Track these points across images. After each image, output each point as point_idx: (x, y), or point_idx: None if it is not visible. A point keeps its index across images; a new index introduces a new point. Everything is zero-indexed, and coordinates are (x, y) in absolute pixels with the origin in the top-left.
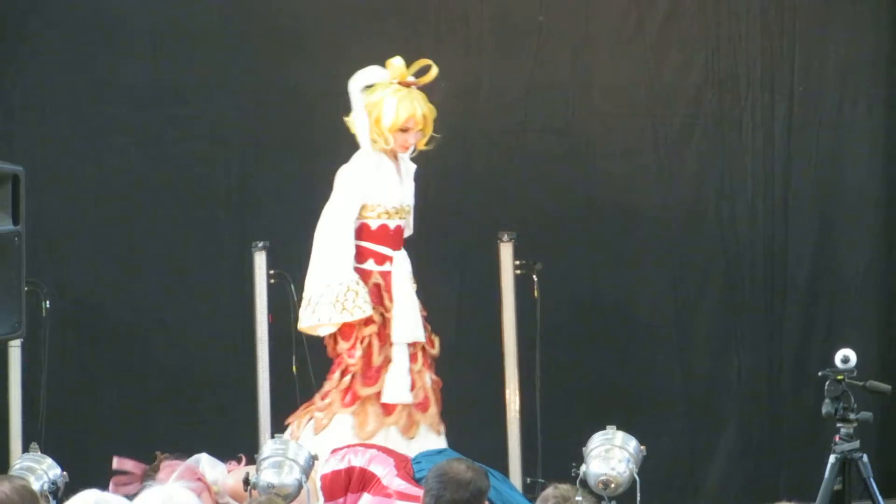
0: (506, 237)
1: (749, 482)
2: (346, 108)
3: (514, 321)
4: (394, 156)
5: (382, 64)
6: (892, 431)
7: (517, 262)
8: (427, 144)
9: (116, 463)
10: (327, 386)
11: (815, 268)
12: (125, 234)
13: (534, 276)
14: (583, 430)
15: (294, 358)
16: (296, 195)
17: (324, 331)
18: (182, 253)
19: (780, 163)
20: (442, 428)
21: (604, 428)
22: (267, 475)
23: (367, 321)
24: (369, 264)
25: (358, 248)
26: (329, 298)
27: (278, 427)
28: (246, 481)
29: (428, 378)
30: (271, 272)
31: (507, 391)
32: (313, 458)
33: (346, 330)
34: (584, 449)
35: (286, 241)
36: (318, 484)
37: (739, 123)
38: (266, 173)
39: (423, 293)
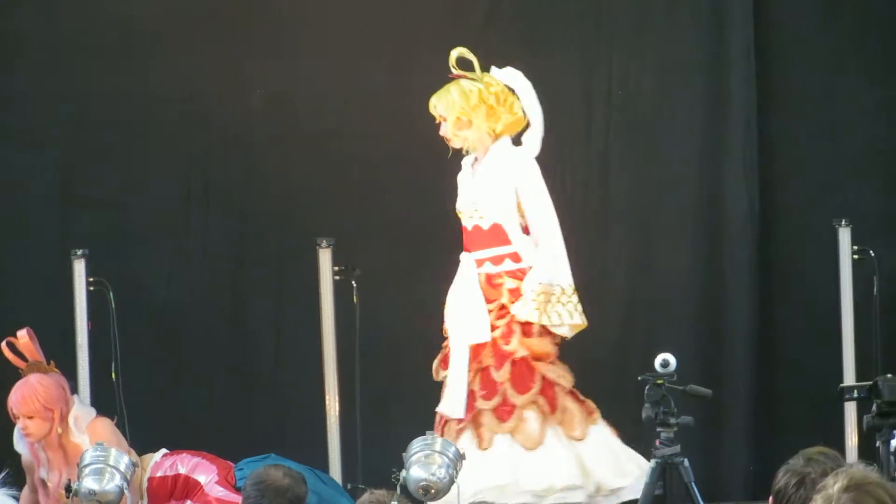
0: (324, 243)
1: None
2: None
3: (333, 327)
4: (484, 152)
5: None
6: (713, 435)
7: (336, 268)
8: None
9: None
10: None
11: (634, 270)
12: None
13: (353, 282)
14: (403, 435)
15: (114, 365)
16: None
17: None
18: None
19: (598, 167)
20: (580, 431)
21: (423, 433)
22: (88, 482)
23: None
24: None
25: None
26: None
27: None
28: (67, 488)
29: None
30: (90, 280)
31: (327, 397)
32: (134, 464)
33: None
34: (403, 454)
35: (107, 249)
36: (145, 486)
37: (557, 127)
38: (86, 181)
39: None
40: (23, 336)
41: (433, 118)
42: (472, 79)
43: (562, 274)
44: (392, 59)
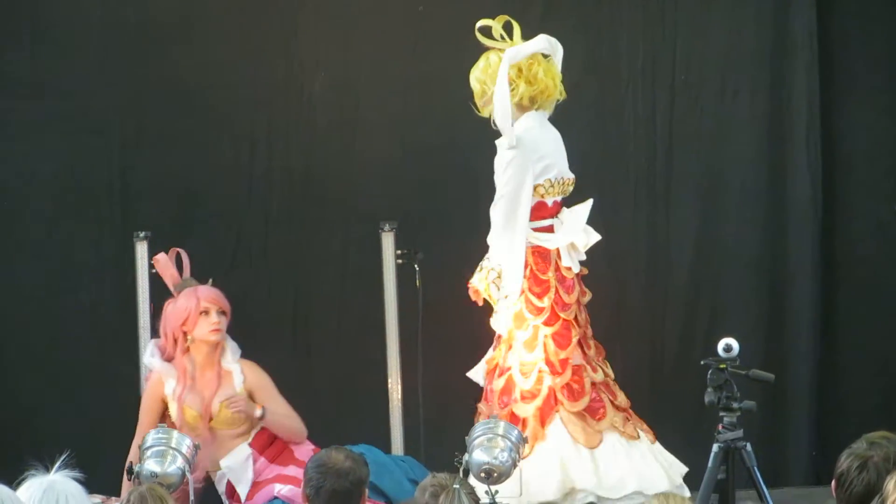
0: (387, 227)
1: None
2: (224, 99)
3: (396, 310)
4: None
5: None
6: (775, 420)
7: (398, 252)
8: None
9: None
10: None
11: (698, 256)
12: (4, 227)
13: (415, 266)
14: (466, 419)
15: None
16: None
17: None
18: (64, 245)
19: (662, 152)
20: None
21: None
22: (150, 464)
23: None
24: None
25: None
26: None
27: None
28: (129, 471)
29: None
30: (153, 261)
31: (390, 380)
32: (196, 447)
33: None
34: (466, 438)
35: (168, 232)
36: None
37: (621, 113)
38: (148, 164)
39: (304, 284)
40: (157, 260)
41: None
42: (499, 49)
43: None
44: (454, 45)
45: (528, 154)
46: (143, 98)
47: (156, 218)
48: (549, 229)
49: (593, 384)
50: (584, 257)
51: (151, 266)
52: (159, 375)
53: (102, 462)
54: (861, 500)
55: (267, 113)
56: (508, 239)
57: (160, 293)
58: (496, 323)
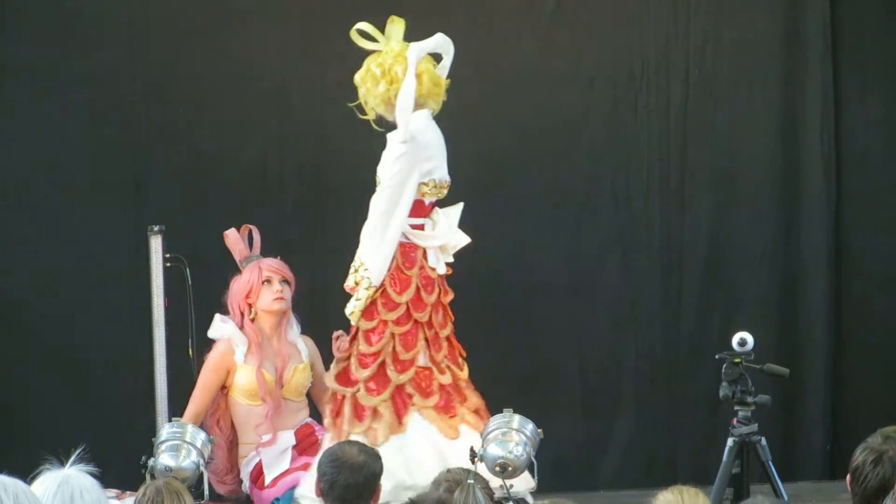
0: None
1: (646, 465)
2: (241, 93)
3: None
4: None
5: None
6: (790, 414)
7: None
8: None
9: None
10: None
11: (711, 249)
12: (18, 218)
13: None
14: None
15: (191, 342)
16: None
17: None
18: (85, 238)
19: (676, 145)
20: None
21: (501, 411)
22: (165, 458)
23: None
24: None
25: None
26: None
27: (176, 411)
28: (143, 465)
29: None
30: (167, 256)
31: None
32: (210, 441)
33: None
34: (481, 432)
35: (182, 226)
36: None
37: (635, 105)
38: (163, 157)
39: (320, 277)
40: (227, 235)
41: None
42: (377, 50)
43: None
44: (468, 39)
45: (419, 151)
46: (160, 91)
47: (171, 212)
48: (421, 228)
49: (441, 386)
50: (451, 259)
51: (166, 260)
52: (229, 343)
53: (118, 456)
54: (876, 494)
55: (283, 107)
56: (382, 229)
57: (174, 288)
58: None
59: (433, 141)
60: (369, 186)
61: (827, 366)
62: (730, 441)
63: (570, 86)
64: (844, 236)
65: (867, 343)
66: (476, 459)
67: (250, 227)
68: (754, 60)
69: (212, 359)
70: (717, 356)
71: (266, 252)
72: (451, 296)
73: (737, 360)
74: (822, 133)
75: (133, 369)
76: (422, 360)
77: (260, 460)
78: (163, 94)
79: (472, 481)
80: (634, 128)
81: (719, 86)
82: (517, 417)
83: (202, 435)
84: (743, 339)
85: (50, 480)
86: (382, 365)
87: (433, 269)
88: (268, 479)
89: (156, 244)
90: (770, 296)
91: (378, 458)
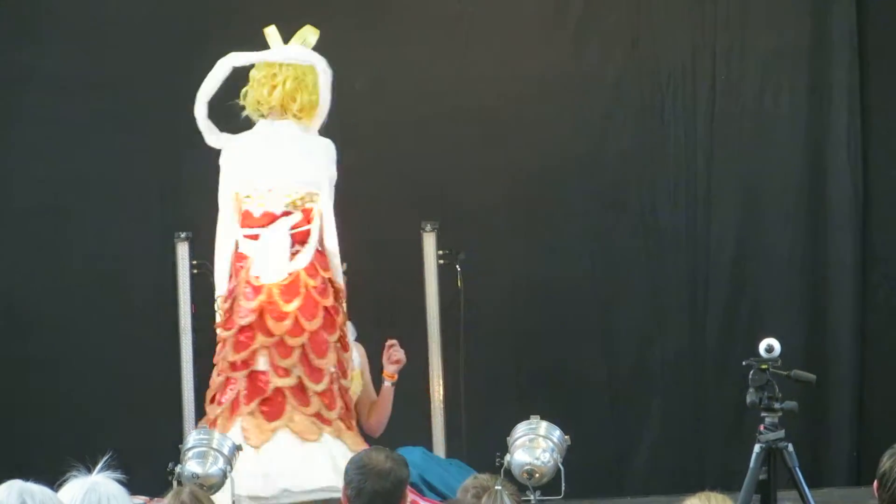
0: (429, 227)
1: (674, 471)
2: None
3: (438, 311)
4: None
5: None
6: (817, 420)
7: (440, 252)
8: None
9: None
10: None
11: (738, 256)
12: (45, 225)
13: (457, 266)
14: (507, 419)
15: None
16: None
17: None
18: (108, 244)
19: (703, 151)
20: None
21: (528, 418)
22: (192, 465)
23: None
24: None
25: None
26: None
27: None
28: (170, 472)
29: None
30: (194, 262)
31: (432, 381)
32: (237, 448)
33: None
34: (508, 439)
35: (209, 233)
36: None
37: (661, 112)
38: (189, 164)
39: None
40: None
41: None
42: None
43: None
44: (494, 45)
45: (228, 163)
46: (186, 97)
47: (197, 218)
48: (255, 238)
49: (278, 389)
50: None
51: (192, 267)
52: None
53: (145, 463)
54: None
55: None
56: (218, 240)
57: (201, 294)
58: None
59: (252, 150)
60: (399, 191)
61: (854, 372)
62: (757, 447)
63: (596, 93)
64: (871, 242)
65: (894, 349)
66: (504, 465)
67: None
68: (781, 67)
69: None
70: (743, 362)
71: None
72: (293, 304)
73: (764, 367)
74: (848, 139)
75: (160, 376)
76: (261, 364)
77: None
78: (190, 99)
79: (499, 487)
80: (661, 135)
81: (746, 93)
82: (544, 424)
83: (229, 442)
84: (770, 345)
85: (77, 487)
86: (220, 373)
87: (256, 278)
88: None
89: (182, 251)
90: (797, 302)
91: (405, 464)
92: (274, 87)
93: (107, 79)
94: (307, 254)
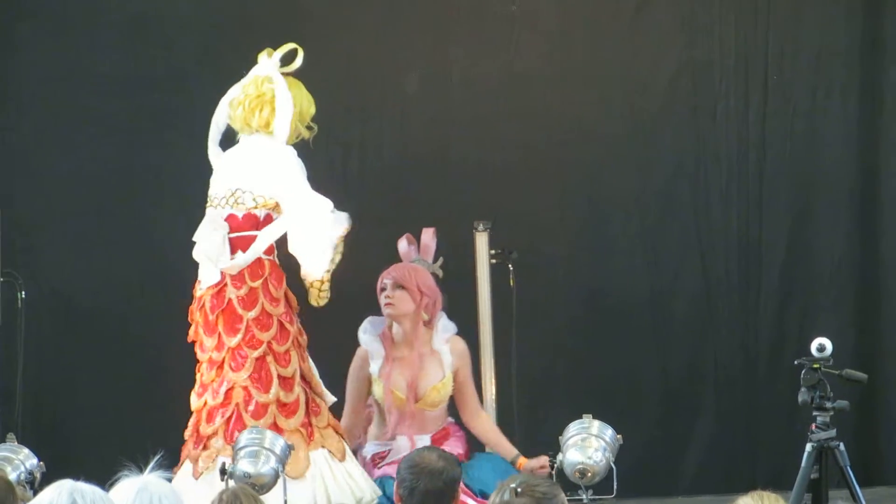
0: (481, 226)
1: (725, 471)
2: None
3: (490, 310)
4: None
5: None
6: (868, 420)
7: (492, 252)
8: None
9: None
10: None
11: (790, 256)
12: (101, 222)
13: (509, 266)
14: (559, 418)
15: None
16: None
17: None
18: (158, 242)
19: (755, 151)
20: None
21: (580, 417)
22: (243, 465)
23: None
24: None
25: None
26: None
27: None
28: (222, 471)
29: None
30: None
31: (484, 380)
32: (290, 447)
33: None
34: (560, 438)
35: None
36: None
37: (714, 111)
38: None
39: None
40: (426, 233)
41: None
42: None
43: None
44: (546, 43)
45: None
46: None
47: None
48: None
49: (210, 408)
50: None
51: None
52: (365, 354)
53: None
54: None
55: (360, 114)
56: None
57: None
58: None
59: (220, 163)
60: (451, 191)
61: None
62: (808, 446)
63: (648, 91)
64: None
65: None
66: (556, 464)
67: (430, 229)
68: (832, 67)
69: (351, 368)
70: (795, 362)
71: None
72: (249, 314)
73: (815, 366)
74: None
75: None
76: (243, 378)
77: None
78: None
79: (514, 485)
80: (713, 134)
81: (798, 92)
82: (596, 423)
83: (281, 441)
84: (822, 344)
85: (128, 487)
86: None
87: (197, 282)
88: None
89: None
90: (848, 301)
91: (457, 463)
92: (239, 106)
93: (154, 77)
94: (242, 261)
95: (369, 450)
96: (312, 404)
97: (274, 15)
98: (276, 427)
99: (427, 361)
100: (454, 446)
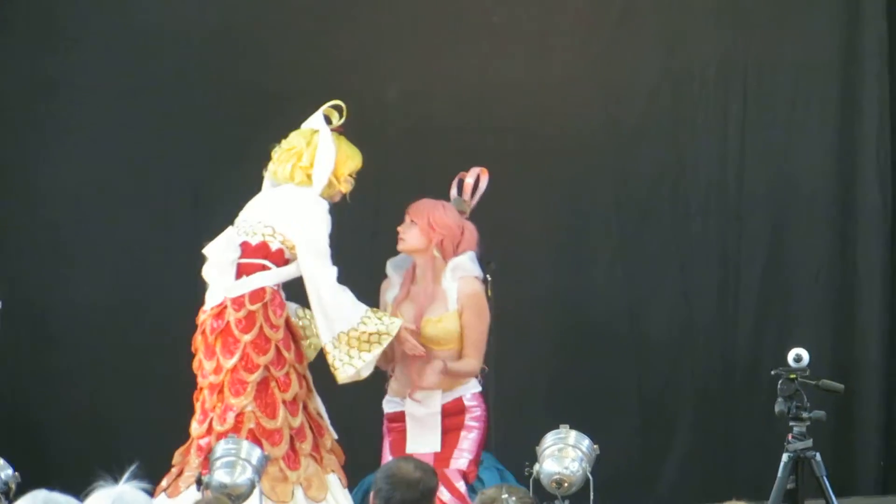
0: None
1: (702, 481)
2: (305, 111)
3: None
4: None
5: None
6: (844, 430)
7: None
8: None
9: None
10: None
11: (767, 267)
12: (77, 231)
13: (487, 276)
14: (537, 428)
15: None
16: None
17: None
18: (135, 252)
19: (733, 162)
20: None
21: (557, 427)
22: (220, 475)
23: None
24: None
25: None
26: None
27: None
28: (198, 481)
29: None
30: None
31: None
32: (266, 458)
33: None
34: (537, 448)
35: None
36: None
37: (693, 123)
38: (219, 173)
39: (372, 298)
40: (473, 174)
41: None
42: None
43: None
44: (527, 54)
45: None
46: (218, 106)
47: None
48: None
49: (218, 434)
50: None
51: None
52: (387, 280)
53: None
54: None
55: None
56: None
57: None
58: None
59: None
60: None
61: (882, 382)
62: (785, 456)
63: (627, 102)
64: None
65: None
66: (532, 475)
67: (479, 169)
68: (811, 78)
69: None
70: (772, 372)
71: None
72: (248, 338)
73: (792, 376)
74: (878, 150)
75: (192, 385)
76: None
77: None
78: (220, 105)
79: (506, 496)
80: (693, 146)
81: (776, 103)
82: (573, 433)
83: (258, 451)
84: (799, 354)
85: (103, 497)
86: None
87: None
88: (409, 448)
89: None
90: (826, 312)
91: (434, 473)
92: (270, 160)
93: (139, 85)
94: (244, 285)
95: (386, 405)
96: (317, 428)
97: (257, 27)
98: (293, 452)
99: (434, 297)
100: (462, 451)
